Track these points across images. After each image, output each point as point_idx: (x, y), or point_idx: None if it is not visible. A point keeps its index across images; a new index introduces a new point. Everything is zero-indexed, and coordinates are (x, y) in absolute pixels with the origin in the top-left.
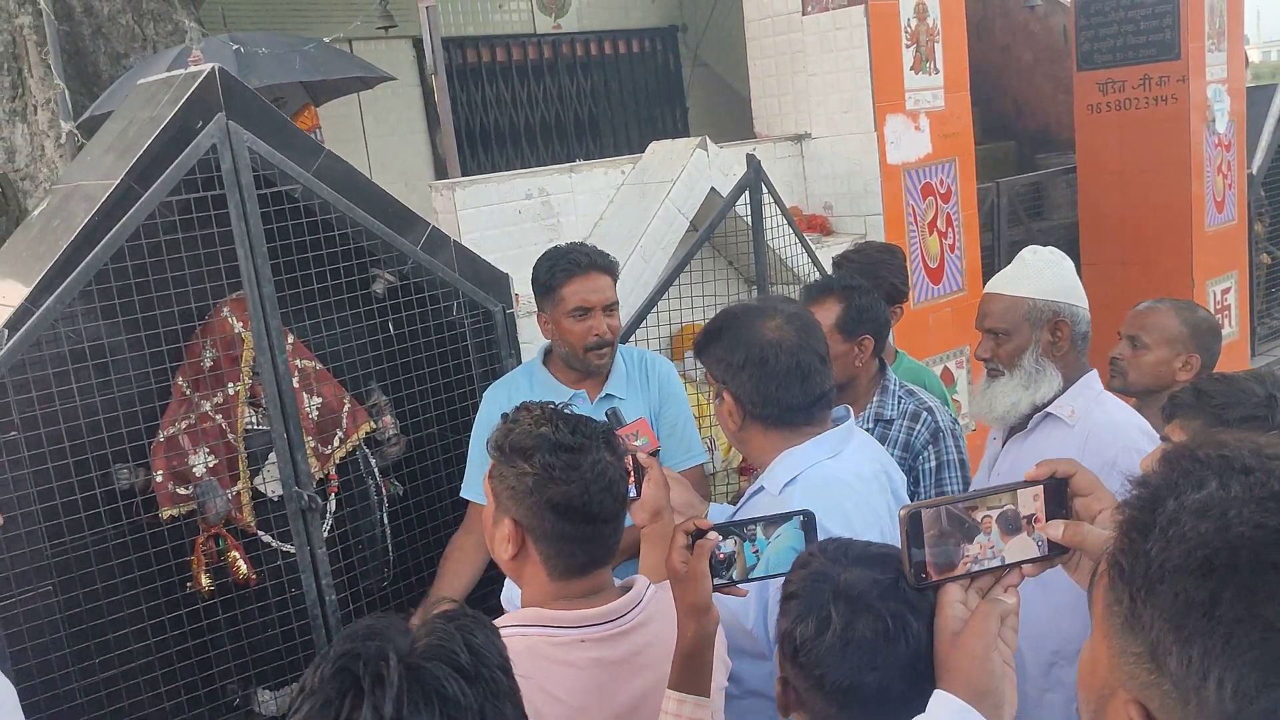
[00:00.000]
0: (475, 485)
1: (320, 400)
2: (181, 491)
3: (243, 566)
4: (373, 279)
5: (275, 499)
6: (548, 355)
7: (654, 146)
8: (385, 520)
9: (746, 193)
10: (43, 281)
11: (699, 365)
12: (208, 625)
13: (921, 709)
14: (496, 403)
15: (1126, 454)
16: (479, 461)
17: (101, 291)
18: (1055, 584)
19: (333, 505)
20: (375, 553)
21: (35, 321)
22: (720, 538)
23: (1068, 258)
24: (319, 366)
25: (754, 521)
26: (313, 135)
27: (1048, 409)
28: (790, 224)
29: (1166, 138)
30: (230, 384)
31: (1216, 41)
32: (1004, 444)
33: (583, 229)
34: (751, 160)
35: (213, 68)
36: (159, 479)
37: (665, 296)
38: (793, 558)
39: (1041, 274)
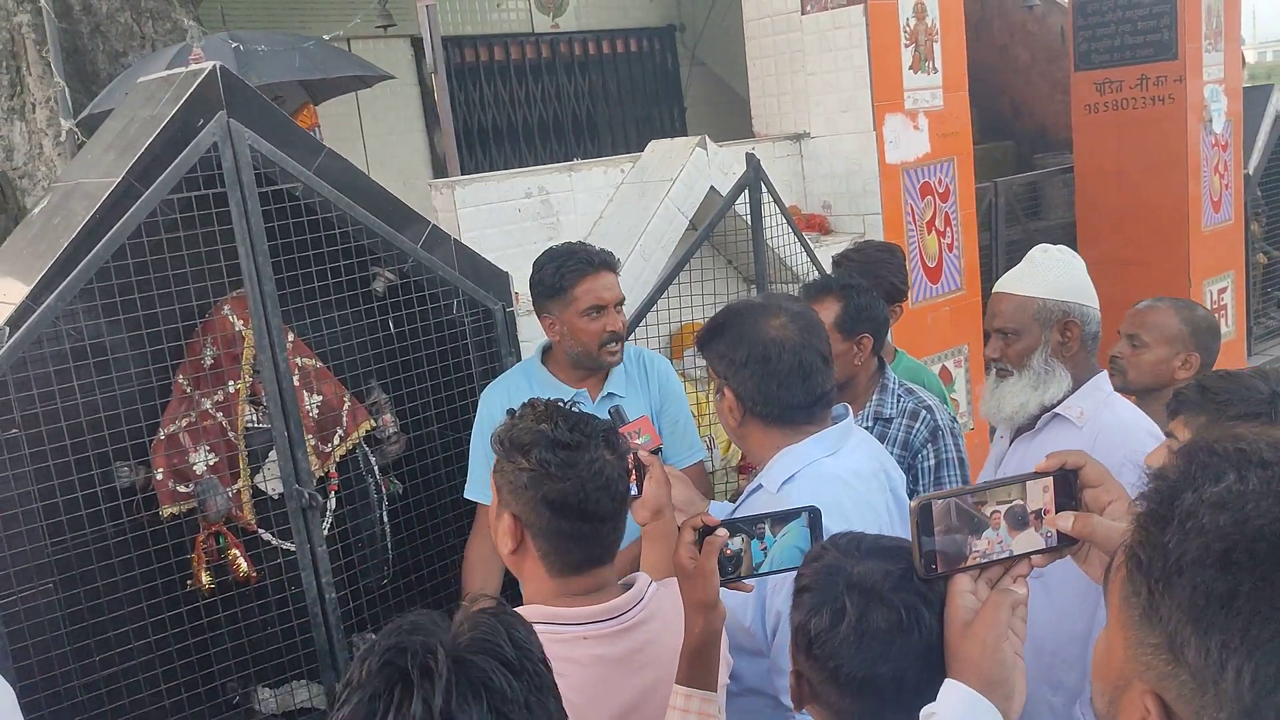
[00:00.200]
0: (477, 486)
1: (320, 398)
2: (182, 489)
3: (243, 564)
4: (373, 277)
5: (275, 497)
6: (546, 355)
7: (653, 145)
8: (385, 518)
9: (746, 192)
10: (43, 279)
11: (699, 363)
12: (208, 623)
13: (933, 699)
14: (495, 403)
15: (1135, 457)
16: (482, 462)
17: (102, 289)
18: (1059, 586)
19: (333, 503)
20: (375, 551)
21: (36, 319)
22: (728, 534)
23: (1078, 256)
24: (319, 364)
25: (763, 519)
26: (312, 134)
27: (1056, 410)
28: (789, 223)
29: (1163, 138)
30: (231, 382)
31: (1213, 42)
32: (1011, 443)
33: (582, 228)
34: (751, 159)
35: (214, 66)
36: (159, 477)
37: (665, 295)
38: (797, 555)
39: (1051, 273)
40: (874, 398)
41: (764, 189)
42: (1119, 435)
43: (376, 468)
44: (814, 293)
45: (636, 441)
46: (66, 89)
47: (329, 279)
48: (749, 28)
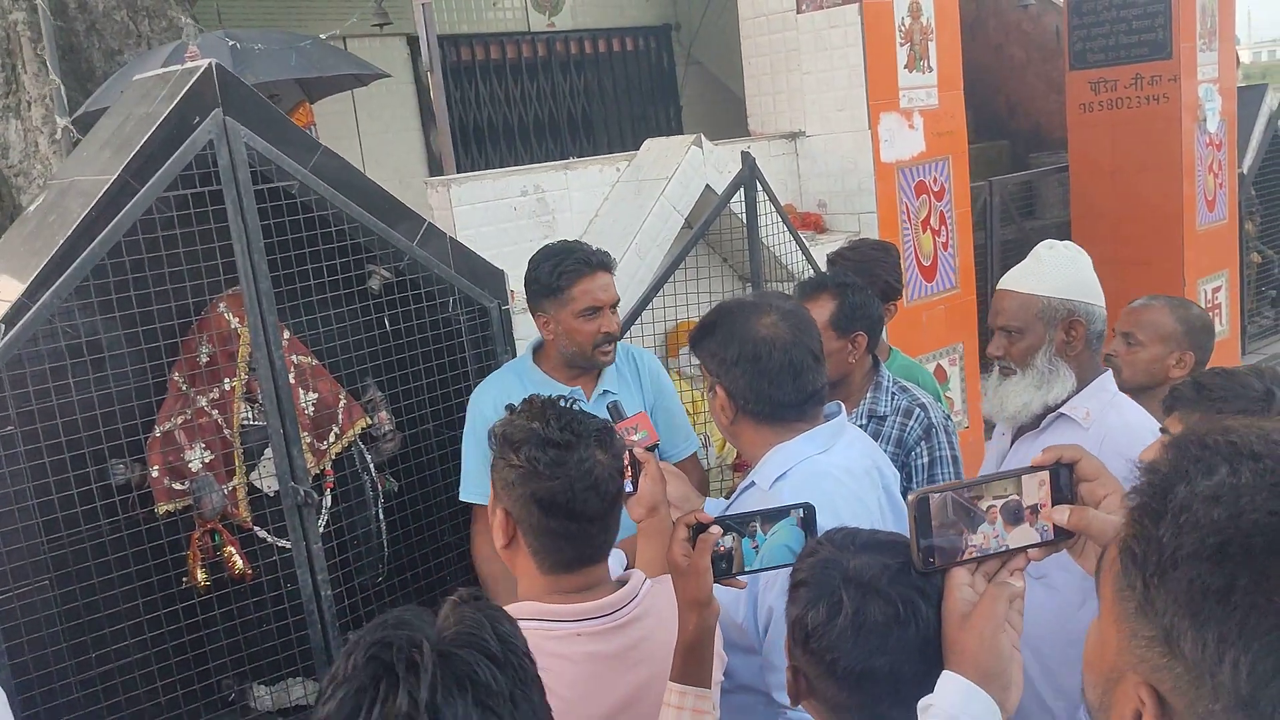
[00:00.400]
0: (471, 487)
1: (316, 396)
2: (177, 487)
3: (238, 562)
4: (368, 275)
5: (271, 494)
6: (537, 353)
7: (649, 144)
8: (380, 516)
9: (741, 190)
10: (39, 277)
11: (695, 361)
12: (203, 620)
13: (931, 691)
14: (486, 403)
15: None
16: (475, 462)
17: (98, 287)
18: (1064, 587)
19: (328, 501)
20: (370, 548)
21: (31, 316)
22: (721, 532)
23: (1084, 252)
24: (315, 362)
25: (754, 517)
26: (308, 132)
27: (1061, 409)
28: (785, 221)
29: (1158, 137)
30: (226, 379)
31: (1208, 41)
32: (1013, 441)
33: (578, 226)
34: (746, 158)
35: (209, 63)
36: (155, 474)
37: (660, 293)
38: (787, 554)
39: (1056, 270)
40: (868, 395)
41: (759, 187)
42: (1126, 437)
43: (372, 465)
44: (809, 291)
45: (633, 438)
46: (62, 86)
47: (325, 277)
48: (744, 26)
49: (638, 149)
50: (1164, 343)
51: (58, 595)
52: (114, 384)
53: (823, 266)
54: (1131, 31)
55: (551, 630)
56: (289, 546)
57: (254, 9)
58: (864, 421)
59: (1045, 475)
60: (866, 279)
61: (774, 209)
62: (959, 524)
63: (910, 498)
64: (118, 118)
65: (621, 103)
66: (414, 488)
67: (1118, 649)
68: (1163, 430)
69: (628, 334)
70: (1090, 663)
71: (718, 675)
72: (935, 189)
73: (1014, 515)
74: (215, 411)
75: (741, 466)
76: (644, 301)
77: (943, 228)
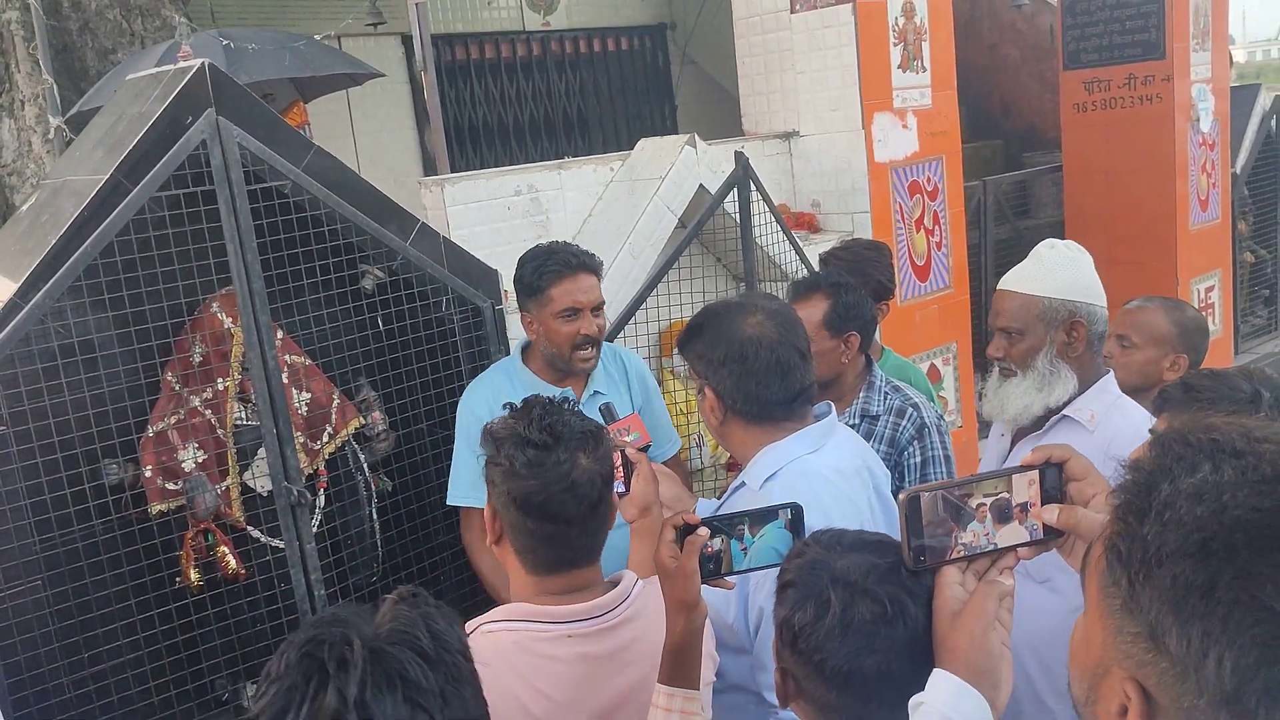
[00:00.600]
0: (460, 489)
1: (309, 396)
2: (170, 487)
3: (232, 562)
4: (362, 275)
5: (264, 494)
6: (526, 353)
7: (643, 144)
8: (374, 515)
9: (735, 190)
10: (31, 276)
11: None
12: (196, 620)
13: (920, 690)
14: (477, 403)
15: None
16: (466, 462)
17: (90, 286)
18: (1067, 590)
19: (322, 500)
20: (364, 548)
21: (24, 317)
22: (709, 533)
23: (1086, 252)
24: (308, 362)
25: (742, 518)
26: (302, 132)
27: (1064, 411)
28: (778, 221)
29: (1151, 137)
30: (219, 379)
31: (1201, 41)
32: (1013, 443)
33: (572, 226)
34: (740, 158)
35: (203, 63)
36: (148, 474)
37: (654, 293)
38: (774, 555)
39: (1057, 271)
40: (861, 395)
41: (753, 187)
42: (1132, 440)
43: (365, 465)
44: (802, 290)
45: (625, 439)
46: (55, 86)
47: (318, 276)
48: (739, 26)
49: (633, 148)
50: (1158, 345)
51: (50, 595)
52: (107, 384)
53: (816, 266)
54: (1125, 32)
55: (542, 632)
56: (282, 546)
57: (248, 8)
58: (857, 421)
59: (1035, 474)
60: (859, 279)
61: (768, 209)
62: (949, 522)
63: (901, 496)
64: (110, 117)
65: (616, 102)
66: (407, 487)
67: (1103, 644)
68: (1152, 432)
69: (622, 333)
70: (1076, 658)
71: (709, 676)
72: (929, 189)
73: (1004, 514)
74: (208, 411)
75: (735, 467)
76: (638, 301)
77: (936, 227)
